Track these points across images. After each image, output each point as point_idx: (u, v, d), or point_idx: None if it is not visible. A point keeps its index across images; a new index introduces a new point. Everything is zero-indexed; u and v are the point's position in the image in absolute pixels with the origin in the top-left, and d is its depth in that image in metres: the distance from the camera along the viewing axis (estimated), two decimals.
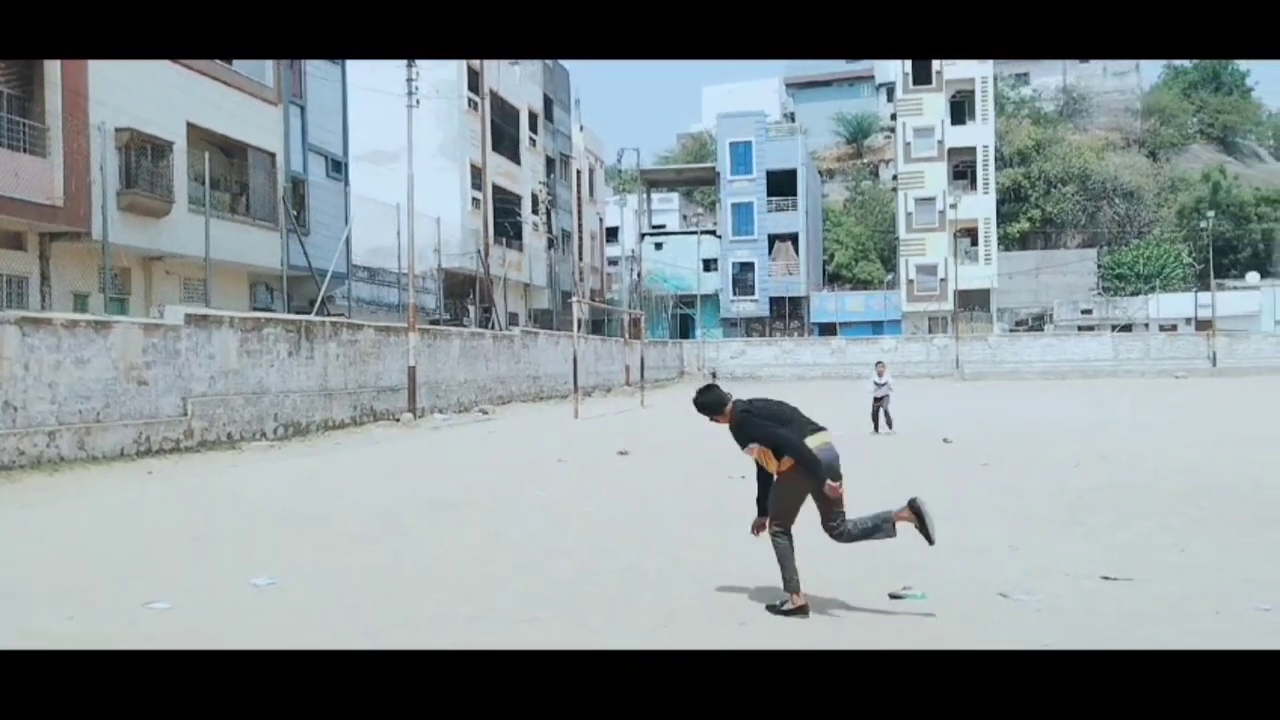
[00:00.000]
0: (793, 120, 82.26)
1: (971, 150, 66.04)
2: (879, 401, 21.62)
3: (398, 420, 26.33)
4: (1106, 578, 7.53)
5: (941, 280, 64.43)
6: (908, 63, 65.70)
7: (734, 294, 67.97)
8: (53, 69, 22.44)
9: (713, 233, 69.15)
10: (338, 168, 33.91)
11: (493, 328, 38.59)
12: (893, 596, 6.97)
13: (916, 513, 6.61)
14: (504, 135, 47.38)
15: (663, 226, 75.31)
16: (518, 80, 49.37)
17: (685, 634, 6.16)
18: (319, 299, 28.68)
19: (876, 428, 21.37)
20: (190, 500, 12.78)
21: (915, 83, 65.83)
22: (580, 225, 59.37)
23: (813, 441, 6.54)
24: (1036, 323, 68.15)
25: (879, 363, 23.40)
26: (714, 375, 54.79)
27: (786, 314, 68.17)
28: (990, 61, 66.68)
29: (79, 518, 11.41)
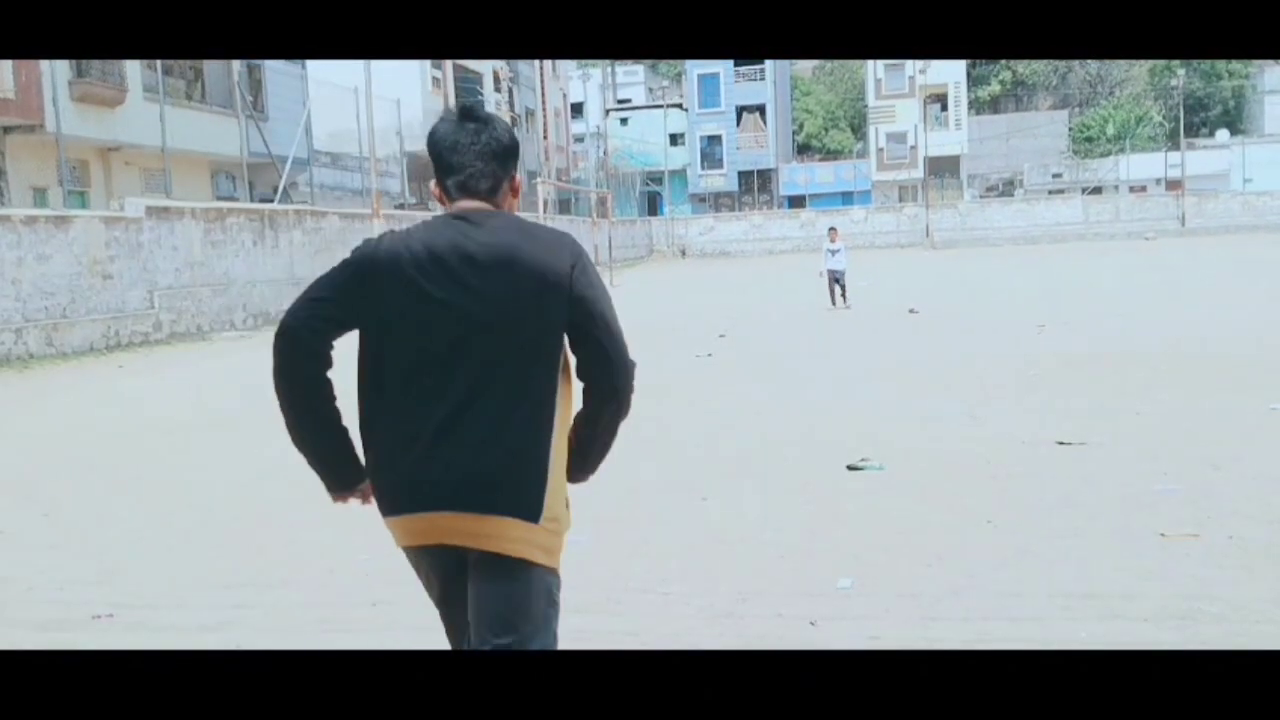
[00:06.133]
0: None
1: None
2: (834, 275, 20.71)
3: None
4: (1061, 443, 7.71)
5: (911, 148, 63.93)
6: None
7: (702, 168, 67.28)
8: None
9: (679, 106, 68.14)
10: None
11: None
12: (851, 468, 7.13)
13: None
14: None
15: (628, 101, 74.06)
16: None
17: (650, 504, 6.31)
18: (281, 186, 28.27)
19: (833, 300, 20.78)
20: (166, 392, 12.82)
21: None
22: (544, 102, 58.34)
23: None
24: (1007, 188, 67.93)
25: (831, 229, 22.09)
26: (684, 253, 54.72)
27: (755, 187, 67.67)
28: None
29: (49, 416, 11.45)
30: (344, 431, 2.60)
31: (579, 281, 2.47)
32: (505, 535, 2.42)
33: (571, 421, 2.62)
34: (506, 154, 2.61)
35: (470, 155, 2.56)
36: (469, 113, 2.63)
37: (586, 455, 2.65)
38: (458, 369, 2.44)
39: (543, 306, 2.45)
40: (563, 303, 2.46)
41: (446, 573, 2.58)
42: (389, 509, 2.52)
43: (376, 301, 2.48)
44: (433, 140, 2.63)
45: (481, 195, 2.57)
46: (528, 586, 2.47)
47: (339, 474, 2.64)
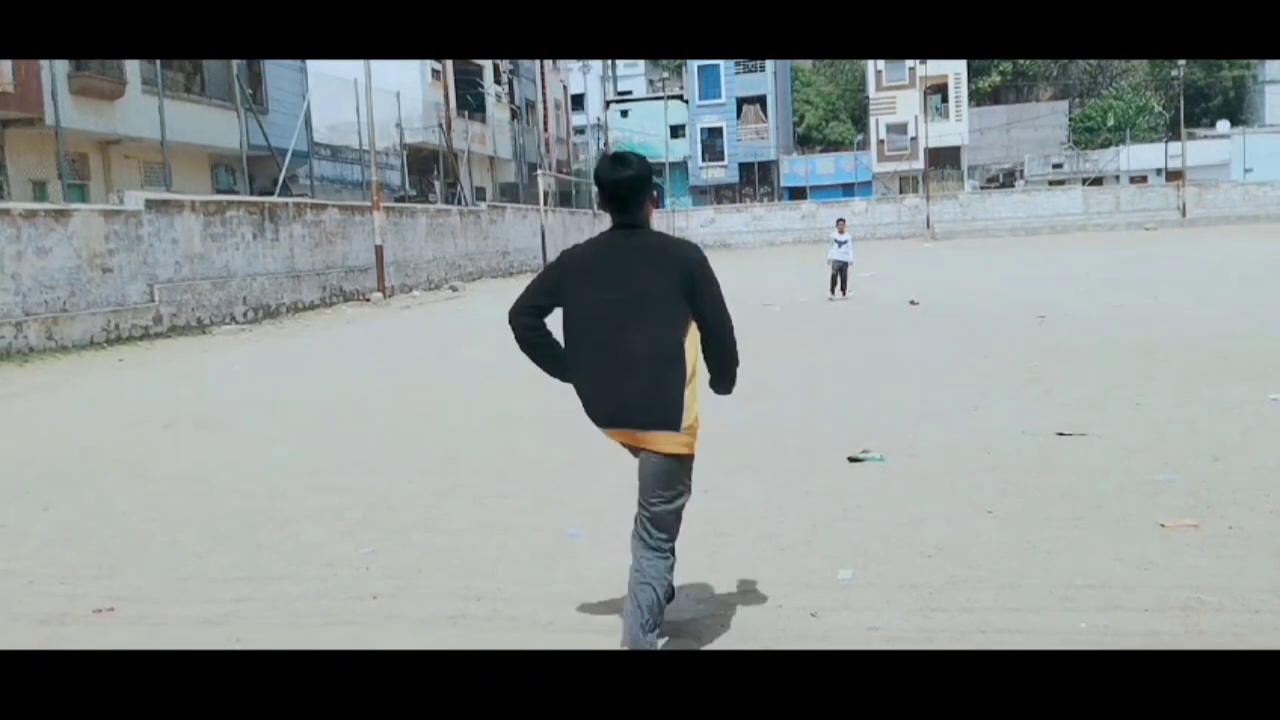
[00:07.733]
0: None
1: None
2: (839, 266, 20.98)
3: (367, 300, 26.26)
4: (1062, 433, 7.70)
5: (912, 139, 63.84)
6: None
7: (703, 160, 67.22)
8: None
9: (680, 98, 68.04)
10: None
11: (459, 203, 38.18)
12: (852, 460, 7.12)
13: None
14: None
15: (629, 93, 73.93)
16: None
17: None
18: (281, 179, 28.25)
19: (833, 291, 21.04)
20: (166, 386, 12.81)
21: None
22: (544, 94, 58.25)
23: None
24: (1007, 179, 67.81)
25: (839, 220, 22.49)
26: None
27: (756, 179, 67.59)
28: None
29: (50, 408, 11.44)
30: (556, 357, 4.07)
31: (697, 271, 3.82)
32: (660, 442, 3.81)
33: (698, 361, 3.94)
34: (644, 183, 3.89)
35: (622, 188, 3.85)
36: (617, 158, 3.93)
37: (718, 377, 4.10)
38: (618, 332, 3.78)
39: (670, 289, 3.78)
40: (685, 284, 3.78)
41: (634, 453, 3.95)
42: (594, 423, 3.94)
43: (571, 290, 3.90)
44: (597, 179, 3.93)
45: (629, 214, 3.88)
46: (675, 468, 3.87)
47: (563, 377, 4.11)
